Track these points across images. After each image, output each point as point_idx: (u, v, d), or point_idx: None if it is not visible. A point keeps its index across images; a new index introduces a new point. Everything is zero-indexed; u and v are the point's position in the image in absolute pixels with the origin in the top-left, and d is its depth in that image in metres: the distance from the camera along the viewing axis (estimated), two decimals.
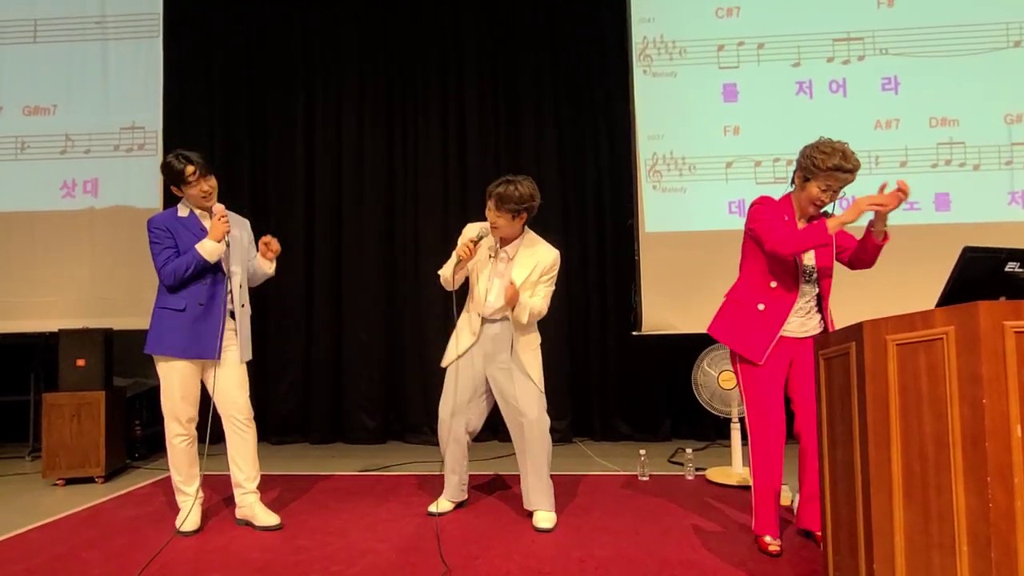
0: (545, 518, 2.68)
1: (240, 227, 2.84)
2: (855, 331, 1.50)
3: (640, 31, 4.20)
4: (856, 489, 1.48)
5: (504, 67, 4.76)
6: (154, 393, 4.47)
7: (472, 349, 2.79)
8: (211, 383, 2.70)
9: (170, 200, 4.42)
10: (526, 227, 2.78)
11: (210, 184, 2.69)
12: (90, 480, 3.61)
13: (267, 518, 2.75)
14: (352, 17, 4.81)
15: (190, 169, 2.62)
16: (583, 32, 4.71)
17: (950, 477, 1.35)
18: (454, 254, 2.72)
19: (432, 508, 2.88)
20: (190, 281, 2.63)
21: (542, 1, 4.72)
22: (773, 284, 2.36)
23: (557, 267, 2.77)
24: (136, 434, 4.22)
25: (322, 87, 4.81)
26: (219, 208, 2.67)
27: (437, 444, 4.61)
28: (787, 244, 2.21)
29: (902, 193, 2.14)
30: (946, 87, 3.95)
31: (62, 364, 3.70)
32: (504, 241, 2.75)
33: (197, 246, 2.61)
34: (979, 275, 1.43)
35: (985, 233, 3.81)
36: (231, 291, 2.72)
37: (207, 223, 2.70)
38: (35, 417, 4.46)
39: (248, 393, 2.77)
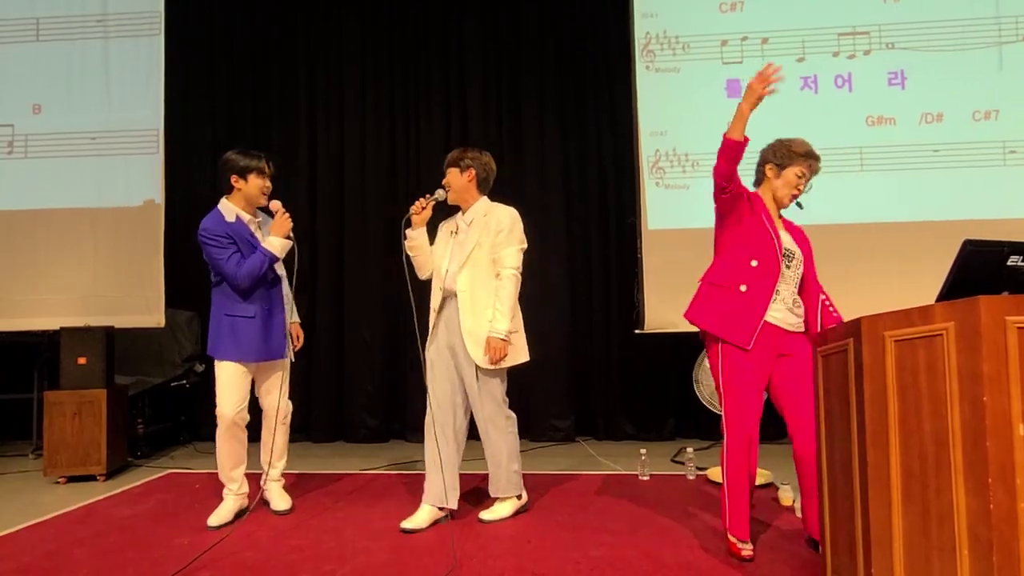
0: (494, 510, 2.72)
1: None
2: (853, 327, 1.45)
3: (643, 26, 4.15)
4: (854, 489, 1.43)
5: (507, 64, 4.73)
6: (157, 391, 4.49)
7: (438, 330, 2.73)
8: (260, 382, 2.85)
9: (174, 198, 4.48)
10: (485, 196, 2.77)
11: (271, 187, 2.81)
12: (91, 478, 3.61)
13: (280, 502, 2.88)
14: (355, 14, 4.80)
15: (263, 164, 2.75)
16: (585, 28, 4.67)
17: (950, 477, 1.31)
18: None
19: (405, 524, 2.61)
20: (257, 286, 2.73)
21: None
22: (754, 263, 2.26)
23: (518, 223, 2.70)
24: (139, 432, 4.22)
25: (324, 86, 4.80)
26: (278, 204, 2.78)
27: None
28: (716, 166, 2.21)
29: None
30: (954, 82, 3.88)
31: (63, 362, 3.71)
32: (464, 211, 2.78)
33: (265, 244, 2.72)
34: (981, 269, 1.38)
35: (997, 229, 3.73)
36: (285, 292, 2.86)
37: (254, 227, 2.79)
38: (39, 415, 4.48)
39: (287, 391, 2.92)
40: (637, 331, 4.10)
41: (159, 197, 4.13)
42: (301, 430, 4.66)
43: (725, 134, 2.15)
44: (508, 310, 2.60)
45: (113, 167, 4.13)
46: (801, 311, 2.35)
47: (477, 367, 2.62)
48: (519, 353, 2.70)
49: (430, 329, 2.78)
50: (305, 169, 4.79)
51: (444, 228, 2.84)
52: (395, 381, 4.67)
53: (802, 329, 2.34)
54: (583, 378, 4.63)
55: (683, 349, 4.14)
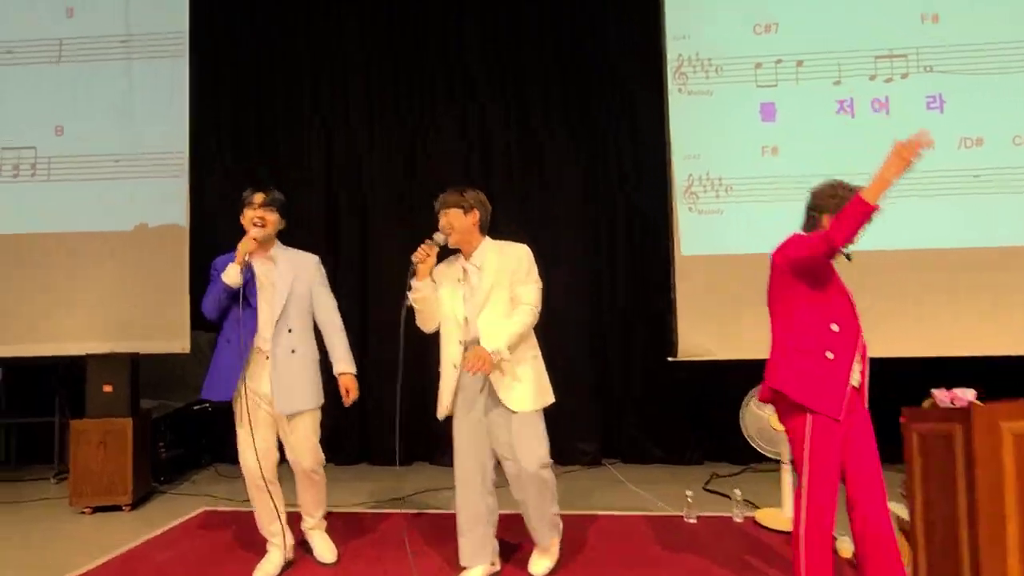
0: (542, 562, 2.61)
1: (295, 267, 2.70)
2: (962, 414, 1.40)
3: (675, 48, 4.08)
4: None
5: (517, 85, 4.64)
6: (178, 415, 4.43)
7: (465, 388, 2.53)
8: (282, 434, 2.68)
9: (200, 221, 4.35)
10: (488, 236, 2.58)
11: (264, 216, 2.59)
12: (117, 508, 3.55)
13: (325, 553, 2.76)
14: (354, 14, 4.69)
15: (252, 196, 2.61)
16: (612, 51, 4.59)
17: None
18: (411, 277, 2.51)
19: None
20: (224, 316, 2.61)
21: (571, 17, 4.61)
22: (835, 327, 2.17)
23: (532, 261, 2.52)
24: (161, 457, 4.17)
25: (329, 96, 4.72)
26: (256, 231, 2.57)
27: None
28: (841, 231, 2.01)
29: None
30: (993, 106, 3.83)
31: (89, 389, 3.65)
32: (467, 254, 2.56)
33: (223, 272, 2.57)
34: None
35: None
36: (278, 329, 2.60)
37: (261, 263, 2.64)
38: (61, 438, 4.41)
39: (312, 444, 2.67)
40: (670, 359, 4.04)
41: (184, 220, 4.05)
42: (326, 451, 4.59)
43: (862, 197, 1.99)
44: (514, 336, 2.39)
45: (137, 190, 4.05)
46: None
47: (515, 413, 2.44)
48: (546, 394, 2.56)
49: (447, 393, 2.55)
50: (321, 184, 4.71)
51: (446, 276, 2.60)
52: (419, 402, 4.60)
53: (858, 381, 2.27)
54: (609, 400, 4.58)
55: (711, 372, 4.10)
